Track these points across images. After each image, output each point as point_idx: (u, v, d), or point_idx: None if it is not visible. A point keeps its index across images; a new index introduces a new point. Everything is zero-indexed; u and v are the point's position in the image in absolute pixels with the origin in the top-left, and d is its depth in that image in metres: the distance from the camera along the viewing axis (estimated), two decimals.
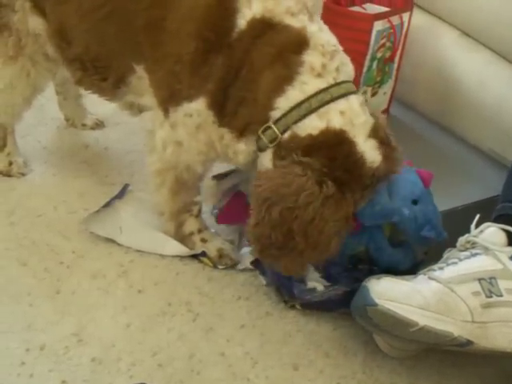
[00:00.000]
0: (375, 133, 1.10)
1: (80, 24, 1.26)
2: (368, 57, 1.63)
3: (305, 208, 1.03)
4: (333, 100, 1.08)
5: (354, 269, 1.25)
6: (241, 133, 1.14)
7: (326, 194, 1.04)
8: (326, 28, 1.16)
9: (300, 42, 1.10)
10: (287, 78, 1.09)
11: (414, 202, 1.17)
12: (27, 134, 1.63)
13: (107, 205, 1.36)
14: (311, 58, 1.09)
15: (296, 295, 1.21)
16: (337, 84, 1.09)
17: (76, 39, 1.29)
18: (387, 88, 1.80)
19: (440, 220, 1.20)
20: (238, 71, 1.11)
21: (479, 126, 1.62)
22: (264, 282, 1.25)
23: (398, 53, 1.75)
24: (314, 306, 1.22)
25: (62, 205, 1.42)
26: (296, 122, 1.08)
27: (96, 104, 1.67)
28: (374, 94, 1.74)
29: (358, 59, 1.61)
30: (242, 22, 1.11)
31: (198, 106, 1.15)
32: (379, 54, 1.67)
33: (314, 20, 1.14)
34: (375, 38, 1.62)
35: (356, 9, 1.70)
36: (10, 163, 1.50)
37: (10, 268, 1.24)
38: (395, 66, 1.77)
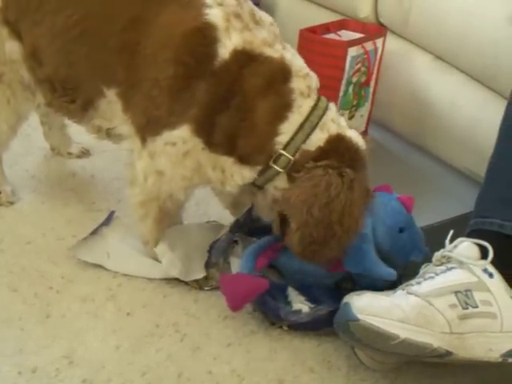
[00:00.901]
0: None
1: (51, 44, 1.28)
2: (344, 81, 1.68)
3: (337, 198, 1.13)
4: (324, 113, 1.19)
5: (337, 289, 1.29)
6: (243, 159, 1.20)
7: (348, 179, 1.14)
8: (295, 52, 1.24)
9: (284, 72, 1.18)
10: (285, 105, 1.17)
11: (401, 231, 1.25)
12: (14, 164, 1.66)
13: (94, 232, 1.39)
14: (297, 84, 1.18)
15: (282, 317, 1.23)
16: (319, 99, 1.21)
17: (47, 60, 1.31)
18: (364, 111, 1.85)
19: (423, 239, 1.27)
20: (227, 100, 1.16)
21: (453, 146, 1.67)
22: (250, 307, 1.28)
23: (374, 77, 1.80)
24: (301, 327, 1.24)
25: (50, 232, 1.45)
26: (304, 141, 1.17)
27: (81, 133, 1.70)
28: (351, 117, 1.79)
29: (334, 84, 1.67)
30: (223, 51, 1.15)
31: (182, 134, 1.18)
32: (355, 79, 1.72)
33: (285, 48, 1.22)
34: (350, 64, 1.67)
35: (331, 36, 1.75)
36: None
37: (1, 294, 1.26)
38: (371, 89, 1.82)
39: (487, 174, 1.22)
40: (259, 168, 1.20)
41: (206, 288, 1.32)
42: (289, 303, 1.25)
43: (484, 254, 1.11)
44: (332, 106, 1.23)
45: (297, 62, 1.21)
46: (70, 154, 1.74)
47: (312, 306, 1.24)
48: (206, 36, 1.16)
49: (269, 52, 1.17)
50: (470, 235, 1.15)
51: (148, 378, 1.12)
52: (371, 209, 1.23)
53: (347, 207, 1.13)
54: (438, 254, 1.14)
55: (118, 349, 1.17)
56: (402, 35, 1.81)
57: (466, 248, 1.12)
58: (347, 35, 1.77)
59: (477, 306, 1.07)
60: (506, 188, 1.17)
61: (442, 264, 1.13)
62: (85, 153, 1.75)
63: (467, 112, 1.64)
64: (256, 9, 1.23)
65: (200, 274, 1.31)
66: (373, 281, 1.21)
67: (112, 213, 1.44)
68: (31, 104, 1.46)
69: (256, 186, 1.25)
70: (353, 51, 1.66)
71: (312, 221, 1.13)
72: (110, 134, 1.34)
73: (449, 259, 1.12)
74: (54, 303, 1.26)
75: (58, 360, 1.14)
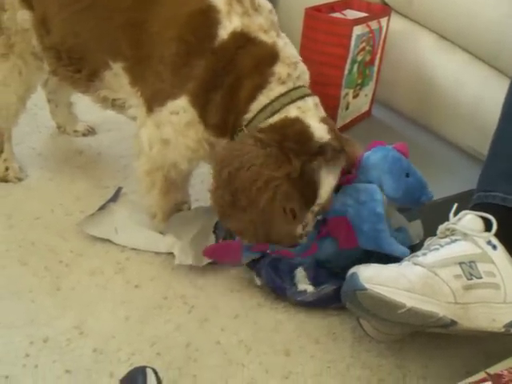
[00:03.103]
0: (326, 123, 1.21)
1: (59, 14, 1.31)
2: (349, 60, 1.69)
3: (247, 168, 1.13)
4: (292, 101, 1.20)
5: (340, 272, 1.31)
6: (227, 135, 1.24)
7: (266, 153, 1.14)
8: (289, 42, 1.27)
9: (272, 56, 1.21)
10: (260, 86, 1.20)
11: (407, 176, 1.29)
12: (22, 142, 1.68)
13: (102, 208, 1.41)
14: (280, 69, 1.21)
15: (288, 296, 1.26)
16: (295, 88, 1.21)
17: (54, 28, 1.33)
18: (368, 90, 1.86)
19: (427, 182, 1.32)
20: (222, 77, 1.19)
21: (457, 124, 1.69)
22: (258, 283, 1.29)
23: (378, 56, 1.81)
24: (307, 305, 1.26)
25: (58, 208, 1.47)
26: (262, 121, 1.20)
27: (87, 112, 1.74)
28: (355, 96, 1.80)
29: (339, 62, 1.69)
30: (223, 32, 1.19)
31: (182, 103, 1.22)
32: (359, 58, 1.73)
33: (280, 36, 1.25)
34: (355, 42, 1.68)
35: (336, 15, 1.76)
36: (7, 169, 1.54)
37: (12, 268, 1.28)
38: (375, 68, 1.83)
39: (490, 149, 1.23)
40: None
41: None
42: (294, 284, 1.27)
43: (487, 226, 1.12)
44: (311, 99, 1.22)
45: (288, 49, 1.24)
46: (75, 131, 1.76)
47: (316, 287, 1.26)
48: (208, 17, 1.20)
49: (263, 37, 1.21)
50: (473, 208, 1.16)
51: (157, 348, 1.14)
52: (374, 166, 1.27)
53: (254, 181, 1.13)
54: (442, 227, 1.16)
55: (128, 320, 1.19)
56: (407, 15, 1.82)
57: (469, 220, 1.13)
58: (352, 14, 1.78)
59: (481, 277, 1.08)
60: (508, 162, 1.18)
61: (446, 236, 1.14)
62: (90, 131, 1.77)
63: (471, 91, 1.66)
64: None
65: None
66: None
67: (119, 189, 1.46)
68: (42, 73, 1.49)
69: None
70: (358, 30, 1.67)
71: (220, 182, 1.17)
72: (114, 105, 1.37)
73: (453, 231, 1.14)
74: (63, 276, 1.28)
75: (68, 330, 1.16)
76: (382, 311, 1.06)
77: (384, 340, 1.20)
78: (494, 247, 1.11)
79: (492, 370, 1.04)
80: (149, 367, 0.99)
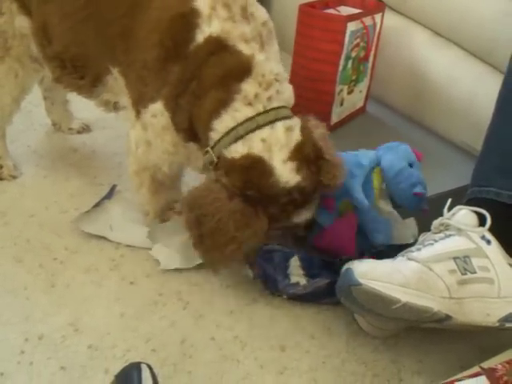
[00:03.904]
0: (298, 154, 1.15)
1: (61, 24, 1.31)
2: (343, 56, 1.69)
3: (215, 220, 1.13)
4: (258, 127, 1.14)
5: (332, 263, 1.31)
6: (197, 141, 1.23)
7: (232, 208, 1.13)
8: (273, 57, 1.21)
9: (244, 70, 1.15)
10: (224, 102, 1.15)
11: (410, 166, 1.33)
12: (16, 140, 1.68)
13: (97, 205, 1.41)
14: (248, 86, 1.15)
15: (281, 289, 1.26)
16: (265, 112, 1.15)
17: (56, 38, 1.34)
18: (363, 86, 1.86)
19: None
20: (188, 83, 1.17)
21: (451, 120, 1.69)
22: (251, 275, 1.30)
23: (372, 52, 1.81)
24: (300, 298, 1.27)
25: (53, 205, 1.47)
26: (226, 147, 1.16)
27: (82, 109, 1.74)
28: (350, 93, 1.81)
29: (333, 59, 1.69)
30: (199, 36, 1.16)
31: (159, 107, 1.21)
32: (354, 54, 1.73)
33: (264, 49, 1.19)
34: (349, 39, 1.68)
35: (330, 11, 1.76)
36: (1, 166, 1.54)
37: (6, 265, 1.28)
38: (370, 65, 1.83)
39: (484, 144, 1.24)
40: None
41: None
42: (287, 276, 1.27)
43: (482, 221, 1.13)
44: (281, 125, 1.15)
45: (266, 66, 1.17)
46: (70, 129, 1.76)
47: (310, 279, 1.26)
48: (188, 21, 1.17)
49: (241, 47, 1.16)
50: (467, 204, 1.17)
51: (152, 344, 1.14)
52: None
53: (221, 230, 1.14)
54: (436, 222, 1.16)
55: (123, 316, 1.19)
56: (401, 11, 1.83)
57: (464, 215, 1.14)
58: (346, 10, 1.78)
59: (475, 272, 1.09)
60: (502, 158, 1.19)
61: (440, 231, 1.15)
62: (85, 129, 1.78)
63: (465, 86, 1.66)
64: (253, 4, 1.22)
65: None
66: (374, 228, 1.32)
67: (114, 186, 1.47)
68: (38, 75, 1.50)
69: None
70: (352, 26, 1.67)
71: (187, 224, 1.17)
72: (116, 107, 1.38)
73: (447, 227, 1.14)
74: (58, 273, 1.28)
75: (63, 327, 1.16)
76: (376, 306, 1.06)
77: (379, 335, 1.20)
78: (488, 242, 1.11)
79: (486, 365, 1.05)
80: (144, 363, 0.99)
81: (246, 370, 1.12)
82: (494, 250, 1.11)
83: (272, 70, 1.18)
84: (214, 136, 1.17)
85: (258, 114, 1.15)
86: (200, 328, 1.19)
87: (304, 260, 1.29)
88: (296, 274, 1.27)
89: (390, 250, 1.28)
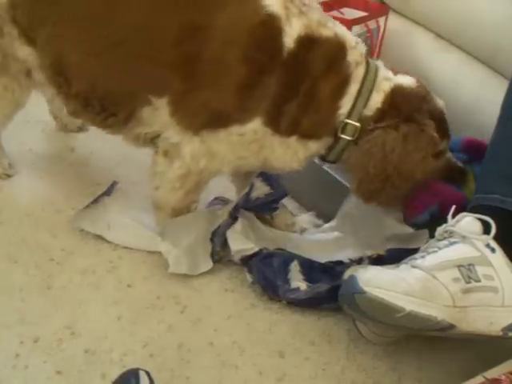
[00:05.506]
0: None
1: (87, 62, 1.21)
2: None
3: (392, 153, 1.19)
4: (376, 74, 1.23)
5: (332, 268, 1.29)
6: (306, 135, 1.22)
7: (403, 133, 1.19)
8: (338, 23, 1.25)
9: (340, 49, 1.20)
10: (344, 81, 1.20)
11: None
12: (12, 138, 1.63)
13: (96, 201, 1.39)
14: (352, 56, 1.21)
15: (280, 294, 1.24)
16: (367, 62, 1.24)
17: (79, 77, 1.24)
18: None
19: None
20: (297, 87, 1.17)
21: (453, 124, 1.67)
22: (250, 280, 1.28)
23: (376, 55, 1.80)
24: (300, 303, 1.25)
25: (49, 205, 1.44)
26: (364, 105, 1.21)
27: None
28: None
29: None
30: (288, 40, 1.15)
31: (254, 126, 1.20)
32: None
33: (335, 23, 1.23)
34: None
35: (334, 13, 1.74)
36: None
37: (1, 265, 1.26)
38: None
39: (489, 150, 1.23)
40: (327, 141, 1.24)
41: None
42: (287, 281, 1.25)
43: (486, 228, 1.11)
44: (379, 63, 1.27)
45: (345, 33, 1.23)
46: (78, 128, 1.71)
47: (310, 285, 1.25)
48: (271, 28, 1.15)
49: (325, 32, 1.19)
50: (471, 211, 1.15)
51: (150, 349, 1.13)
52: None
53: (403, 158, 1.19)
54: (440, 229, 1.15)
55: (120, 320, 1.18)
56: (404, 14, 1.81)
57: (468, 223, 1.12)
58: (350, 13, 1.77)
59: (479, 280, 1.07)
60: (507, 164, 1.17)
61: (444, 238, 1.13)
62: (82, 128, 1.73)
63: (467, 90, 1.65)
64: None
65: (207, 266, 1.31)
66: None
67: (114, 183, 1.44)
68: (33, 91, 1.42)
69: (329, 162, 1.31)
70: (356, 29, 1.66)
71: (368, 178, 1.21)
72: (145, 139, 1.31)
73: (451, 234, 1.13)
74: (54, 275, 1.26)
75: (59, 330, 1.14)
76: (380, 314, 1.05)
77: (380, 342, 1.19)
78: (493, 250, 1.10)
79: (489, 374, 1.04)
80: (142, 369, 0.98)
81: (244, 377, 1.11)
82: (499, 258, 1.09)
83: (348, 33, 1.24)
84: (344, 110, 1.20)
85: (367, 64, 1.23)
86: (198, 332, 1.18)
87: (304, 265, 1.28)
88: (296, 278, 1.26)
89: (389, 256, 1.27)
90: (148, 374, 0.97)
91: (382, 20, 1.75)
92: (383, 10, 1.77)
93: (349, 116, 1.21)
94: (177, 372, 1.09)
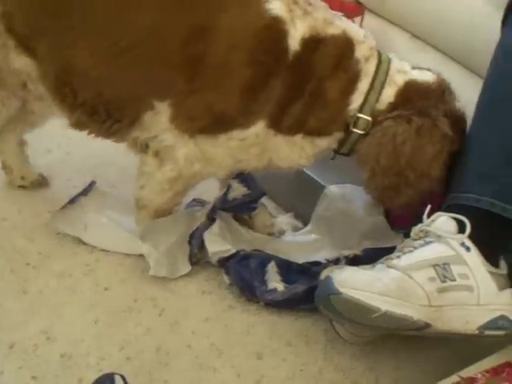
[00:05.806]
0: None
1: (95, 69, 1.19)
2: None
3: (403, 145, 1.16)
4: (389, 66, 1.22)
5: (309, 269, 1.30)
6: (313, 132, 1.22)
7: (415, 125, 1.17)
8: (345, 18, 1.25)
9: (348, 46, 1.19)
10: (353, 78, 1.19)
11: None
12: None
13: (72, 201, 1.38)
14: (361, 51, 1.20)
15: (258, 296, 1.24)
16: (379, 54, 1.23)
17: (86, 85, 1.22)
18: None
19: None
20: (302, 88, 1.17)
21: None
22: (228, 282, 1.28)
23: None
24: (277, 304, 1.25)
25: (25, 208, 1.43)
26: (377, 99, 1.20)
27: None
28: None
29: None
30: (293, 42, 1.15)
31: (256, 130, 1.19)
32: None
33: (341, 19, 1.23)
34: None
35: None
36: None
37: None
38: None
39: (463, 150, 1.23)
40: (338, 136, 1.24)
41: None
42: (264, 282, 1.25)
43: (461, 228, 1.12)
44: (392, 55, 1.26)
45: (354, 28, 1.23)
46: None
47: (287, 285, 1.25)
48: (276, 31, 1.15)
49: (331, 31, 1.18)
50: (446, 210, 1.16)
51: (127, 352, 1.12)
52: None
53: (416, 152, 1.17)
54: (416, 229, 1.15)
55: (97, 323, 1.17)
56: (380, 14, 1.81)
57: (443, 222, 1.13)
58: None
59: (454, 280, 1.08)
60: (481, 163, 1.17)
61: (420, 238, 1.13)
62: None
63: None
64: None
65: (186, 269, 1.30)
66: None
67: (92, 183, 1.43)
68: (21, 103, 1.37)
69: (342, 155, 1.29)
70: None
71: (379, 169, 1.19)
72: (142, 144, 1.29)
73: (427, 233, 1.13)
74: (30, 279, 1.25)
75: (35, 335, 1.13)
76: (356, 315, 1.05)
77: (357, 342, 1.20)
78: (468, 249, 1.10)
79: (465, 373, 1.04)
80: (117, 374, 0.98)
81: (222, 379, 1.11)
82: (474, 257, 1.10)
83: (356, 28, 1.24)
84: (355, 105, 1.20)
85: (378, 57, 1.22)
86: (176, 335, 1.17)
87: (281, 266, 1.28)
88: (273, 279, 1.26)
89: (365, 255, 1.28)
90: (123, 377, 0.97)
91: (357, 20, 1.75)
92: (359, 10, 1.78)
93: (360, 110, 1.20)
94: (155, 375, 1.09)
